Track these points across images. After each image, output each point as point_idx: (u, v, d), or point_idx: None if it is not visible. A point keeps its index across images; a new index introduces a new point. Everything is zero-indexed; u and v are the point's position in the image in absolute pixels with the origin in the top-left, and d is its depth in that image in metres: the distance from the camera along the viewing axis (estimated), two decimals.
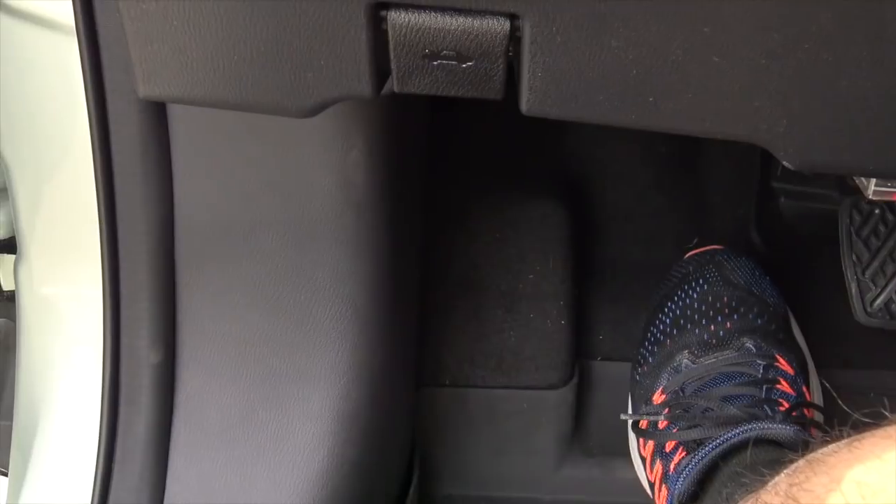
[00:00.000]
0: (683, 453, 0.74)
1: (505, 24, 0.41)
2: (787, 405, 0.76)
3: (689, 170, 0.99)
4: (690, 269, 0.88)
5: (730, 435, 0.70)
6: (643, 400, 0.83)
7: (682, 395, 0.78)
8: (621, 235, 0.98)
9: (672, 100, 0.42)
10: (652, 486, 0.79)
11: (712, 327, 0.82)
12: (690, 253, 0.90)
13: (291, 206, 0.62)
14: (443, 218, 0.90)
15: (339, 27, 0.42)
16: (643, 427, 0.79)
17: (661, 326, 0.86)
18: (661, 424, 0.77)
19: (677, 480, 0.72)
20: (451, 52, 0.42)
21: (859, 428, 0.50)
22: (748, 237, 0.97)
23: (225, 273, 0.65)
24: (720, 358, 0.79)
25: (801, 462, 0.51)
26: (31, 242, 0.69)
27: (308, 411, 0.67)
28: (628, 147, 0.99)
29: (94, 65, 0.56)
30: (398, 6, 0.41)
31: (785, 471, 0.52)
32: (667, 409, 0.78)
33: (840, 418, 0.53)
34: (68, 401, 0.72)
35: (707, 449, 0.70)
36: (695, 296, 0.85)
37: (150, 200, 0.61)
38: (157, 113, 0.58)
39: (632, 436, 0.86)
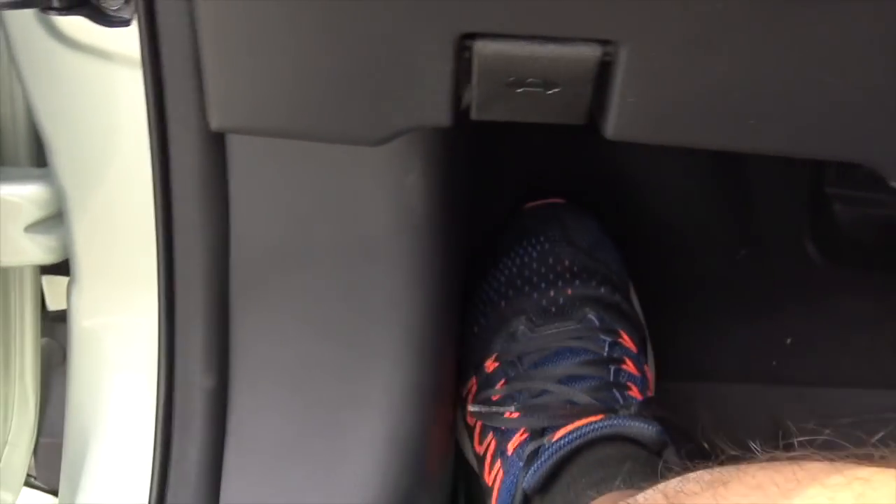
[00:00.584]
0: (525, 435, 0.70)
1: (597, 51, 0.40)
2: (634, 389, 0.73)
3: (736, 177, 0.98)
4: (529, 223, 0.83)
5: (589, 429, 0.67)
6: (472, 365, 0.78)
7: (519, 366, 0.74)
8: (666, 247, 0.96)
9: (776, 122, 0.41)
10: (480, 458, 0.76)
11: (551, 293, 0.77)
12: (530, 205, 0.85)
13: (347, 231, 0.62)
14: (483, 232, 0.89)
15: (424, 57, 0.41)
16: (472, 394, 0.76)
17: (496, 285, 0.80)
18: (495, 396, 0.74)
19: (523, 468, 0.69)
20: (537, 80, 0.41)
21: (721, 460, 0.47)
22: (803, 247, 0.96)
23: (279, 297, 0.64)
24: (561, 329, 0.75)
25: (658, 497, 0.48)
26: (85, 268, 0.69)
27: (362, 438, 0.67)
28: (673, 155, 0.97)
29: (157, 95, 0.55)
30: (486, 36, 0.40)
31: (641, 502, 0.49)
32: (503, 381, 0.74)
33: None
34: (119, 427, 0.72)
35: (563, 441, 0.67)
36: (534, 254, 0.80)
37: (208, 226, 0.61)
38: (217, 140, 0.58)
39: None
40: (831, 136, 0.41)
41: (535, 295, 0.77)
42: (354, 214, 0.61)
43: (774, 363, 0.91)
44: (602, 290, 0.78)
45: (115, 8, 0.55)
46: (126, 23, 0.55)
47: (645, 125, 0.42)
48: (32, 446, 0.88)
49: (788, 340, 0.90)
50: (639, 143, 0.43)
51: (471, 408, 0.75)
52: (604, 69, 0.41)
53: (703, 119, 0.41)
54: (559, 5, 0.38)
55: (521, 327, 0.75)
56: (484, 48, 0.40)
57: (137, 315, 0.69)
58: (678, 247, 0.97)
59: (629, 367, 0.74)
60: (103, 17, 0.56)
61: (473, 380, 0.77)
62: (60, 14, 0.54)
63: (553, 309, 0.76)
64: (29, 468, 0.90)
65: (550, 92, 0.41)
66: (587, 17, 0.39)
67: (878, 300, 0.90)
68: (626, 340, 0.76)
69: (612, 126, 0.42)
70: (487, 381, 0.75)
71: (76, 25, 0.58)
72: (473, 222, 0.80)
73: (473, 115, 0.44)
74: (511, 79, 0.41)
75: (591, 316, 0.75)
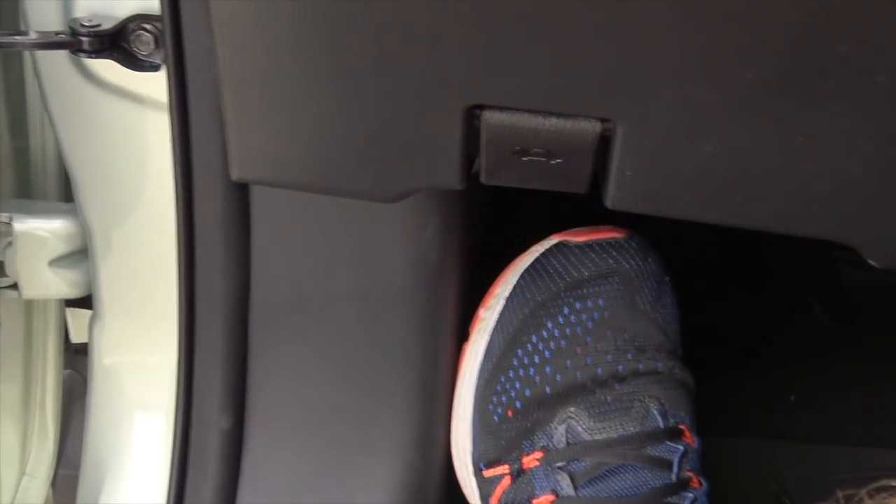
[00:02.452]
0: None
1: (596, 126, 0.42)
2: (695, 479, 0.64)
3: (749, 237, 0.99)
4: (585, 273, 0.65)
5: None
6: (504, 449, 0.66)
7: (570, 478, 0.62)
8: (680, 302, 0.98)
9: (759, 201, 0.43)
10: None
11: (608, 378, 0.64)
12: (582, 238, 0.67)
13: (365, 280, 0.63)
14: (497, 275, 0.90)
15: (436, 123, 0.43)
16: (504, 489, 0.65)
17: (537, 358, 0.65)
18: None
19: None
20: (541, 150, 0.43)
21: None
22: (810, 307, 0.97)
23: (296, 342, 0.66)
24: (621, 433, 0.62)
25: None
26: (107, 304, 0.70)
27: (373, 482, 0.68)
28: None
29: (184, 140, 0.58)
30: (494, 107, 0.42)
31: None
32: (552, 496, 0.62)
33: None
34: (135, 463, 0.73)
35: None
36: (590, 325, 0.65)
37: (229, 271, 0.63)
38: (241, 187, 0.60)
39: (472, 478, 0.69)
40: (811, 217, 0.43)
41: (589, 382, 0.64)
42: (372, 264, 0.63)
43: (777, 419, 0.92)
44: (661, 364, 0.66)
45: (146, 53, 0.57)
46: (156, 67, 0.58)
47: (640, 197, 0.44)
48: (51, 478, 0.88)
49: (792, 397, 0.91)
50: (636, 213, 0.45)
51: None
52: (603, 143, 0.43)
53: (693, 194, 0.43)
54: (562, 84, 0.40)
55: (572, 421, 0.63)
56: (492, 118, 0.42)
57: (158, 353, 0.70)
58: (692, 302, 0.98)
59: (692, 477, 0.64)
60: (134, 62, 0.58)
61: (506, 470, 0.65)
62: (91, 57, 0.57)
63: (609, 398, 0.64)
64: (47, 500, 0.90)
65: (554, 162, 0.43)
66: (587, 96, 0.41)
67: (879, 362, 0.91)
68: (688, 436, 0.65)
69: (611, 197, 0.44)
70: (527, 482, 0.64)
71: (106, 67, 0.60)
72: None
73: (483, 180, 0.46)
74: (517, 148, 0.43)
75: (654, 410, 0.63)
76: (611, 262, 0.66)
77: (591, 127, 0.42)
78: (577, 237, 0.67)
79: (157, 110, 0.60)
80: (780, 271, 0.98)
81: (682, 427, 0.64)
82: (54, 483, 0.90)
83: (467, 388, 0.69)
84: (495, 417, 0.67)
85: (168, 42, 0.55)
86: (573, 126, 0.42)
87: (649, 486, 0.61)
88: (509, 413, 0.66)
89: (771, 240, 0.96)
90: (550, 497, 0.62)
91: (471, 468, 0.69)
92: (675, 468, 0.62)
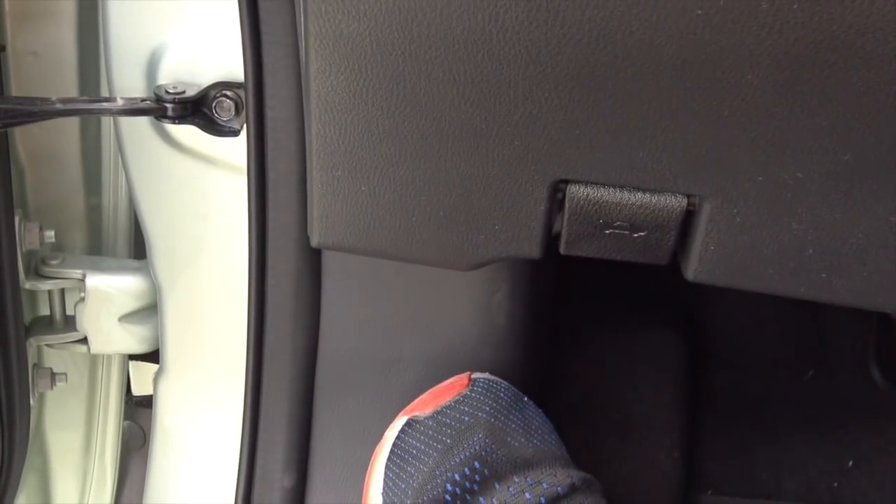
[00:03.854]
0: None
1: (682, 201, 0.42)
2: None
3: (807, 300, 0.98)
4: (448, 441, 0.60)
5: None
6: None
7: None
8: (736, 364, 0.97)
9: (846, 278, 0.43)
10: None
11: None
12: (431, 405, 0.62)
13: (431, 344, 0.64)
14: (559, 343, 0.91)
15: (521, 196, 0.44)
16: None
17: None
18: None
19: None
20: (624, 223, 0.43)
21: None
22: (867, 371, 0.96)
23: (360, 402, 0.66)
24: None
25: None
26: (173, 361, 0.71)
27: None
28: None
29: (260, 203, 0.59)
30: (579, 181, 0.43)
31: None
32: None
33: None
34: None
35: None
36: (476, 488, 0.59)
37: (299, 331, 0.63)
38: (314, 250, 0.61)
39: None
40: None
41: None
42: (440, 327, 0.64)
43: (836, 485, 0.91)
44: (565, 479, 0.60)
45: (226, 119, 0.59)
46: (235, 133, 0.59)
47: (724, 272, 0.44)
48: None
49: (850, 462, 0.90)
50: (717, 286, 0.45)
51: None
52: (688, 218, 0.43)
53: (778, 269, 0.44)
54: (650, 160, 0.41)
55: None
56: (577, 192, 0.43)
57: (221, 410, 0.71)
58: (748, 364, 0.98)
59: None
60: (214, 127, 0.59)
61: None
62: (174, 123, 0.58)
63: None
64: None
65: (636, 235, 0.44)
66: (676, 172, 0.41)
67: None
68: None
69: (693, 270, 0.45)
70: None
71: (184, 130, 0.61)
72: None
73: (562, 251, 0.47)
74: (600, 220, 0.44)
75: None
76: (467, 419, 0.61)
77: (678, 202, 0.42)
78: (423, 409, 0.63)
79: (231, 173, 0.61)
80: (839, 335, 0.98)
81: None
82: None
83: None
84: None
85: (250, 109, 0.56)
86: (659, 201, 0.42)
87: None
88: None
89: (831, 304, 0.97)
90: None
91: None
92: None
